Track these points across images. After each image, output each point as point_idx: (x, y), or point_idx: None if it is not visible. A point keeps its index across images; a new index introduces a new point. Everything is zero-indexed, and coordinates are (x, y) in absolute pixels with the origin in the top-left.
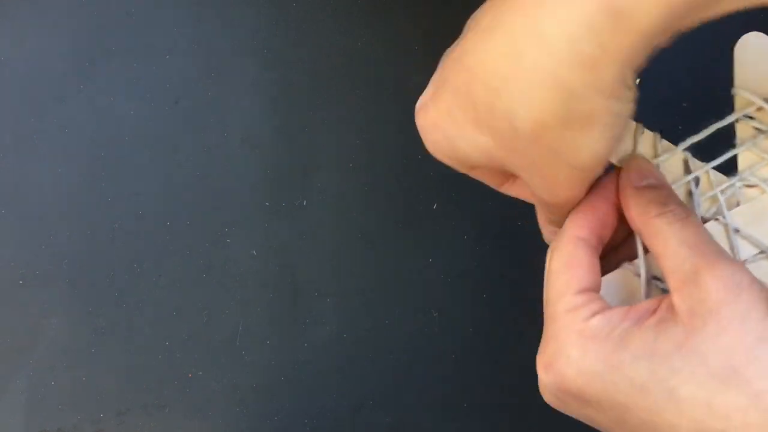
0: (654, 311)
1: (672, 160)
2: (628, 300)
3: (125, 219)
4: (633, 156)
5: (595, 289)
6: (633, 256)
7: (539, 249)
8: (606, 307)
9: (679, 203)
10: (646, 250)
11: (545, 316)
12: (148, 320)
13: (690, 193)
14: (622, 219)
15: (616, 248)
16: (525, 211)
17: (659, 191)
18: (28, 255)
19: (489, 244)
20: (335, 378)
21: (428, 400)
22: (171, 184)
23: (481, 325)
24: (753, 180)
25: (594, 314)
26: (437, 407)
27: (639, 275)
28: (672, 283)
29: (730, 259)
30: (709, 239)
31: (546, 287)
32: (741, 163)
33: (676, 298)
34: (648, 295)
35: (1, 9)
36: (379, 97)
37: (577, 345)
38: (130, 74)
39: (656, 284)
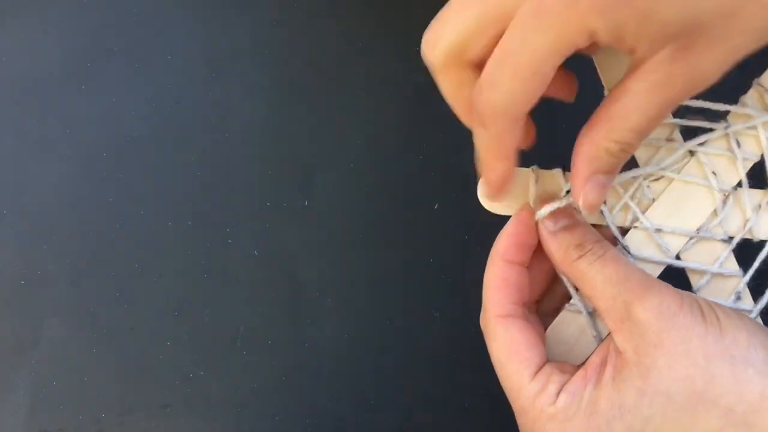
0: (605, 362)
1: None
2: (579, 338)
3: (126, 219)
4: (541, 201)
5: (545, 358)
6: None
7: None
8: (565, 379)
9: (596, 239)
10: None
11: (512, 404)
12: (148, 320)
13: (602, 213)
14: (536, 261)
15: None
16: None
17: (574, 232)
18: (29, 255)
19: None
20: (335, 378)
21: (428, 400)
22: (171, 184)
23: None
24: (657, 173)
25: (558, 392)
26: (437, 407)
27: (581, 312)
28: (610, 324)
29: (656, 285)
30: (632, 269)
31: (499, 374)
32: (639, 160)
33: (619, 339)
34: (595, 328)
35: (1, 9)
36: (379, 97)
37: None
38: (130, 74)
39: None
